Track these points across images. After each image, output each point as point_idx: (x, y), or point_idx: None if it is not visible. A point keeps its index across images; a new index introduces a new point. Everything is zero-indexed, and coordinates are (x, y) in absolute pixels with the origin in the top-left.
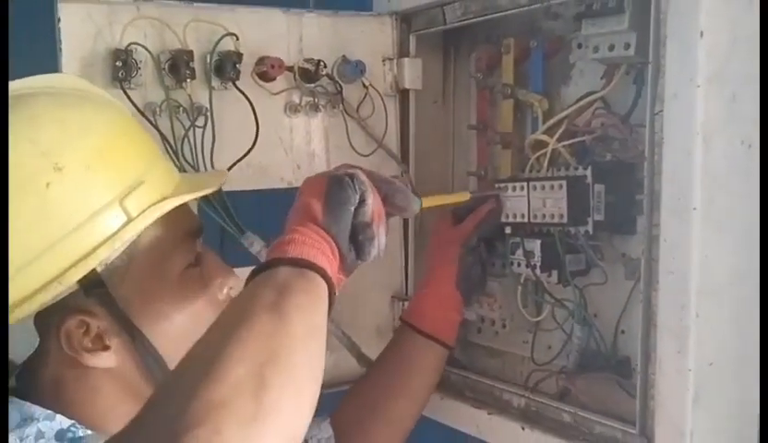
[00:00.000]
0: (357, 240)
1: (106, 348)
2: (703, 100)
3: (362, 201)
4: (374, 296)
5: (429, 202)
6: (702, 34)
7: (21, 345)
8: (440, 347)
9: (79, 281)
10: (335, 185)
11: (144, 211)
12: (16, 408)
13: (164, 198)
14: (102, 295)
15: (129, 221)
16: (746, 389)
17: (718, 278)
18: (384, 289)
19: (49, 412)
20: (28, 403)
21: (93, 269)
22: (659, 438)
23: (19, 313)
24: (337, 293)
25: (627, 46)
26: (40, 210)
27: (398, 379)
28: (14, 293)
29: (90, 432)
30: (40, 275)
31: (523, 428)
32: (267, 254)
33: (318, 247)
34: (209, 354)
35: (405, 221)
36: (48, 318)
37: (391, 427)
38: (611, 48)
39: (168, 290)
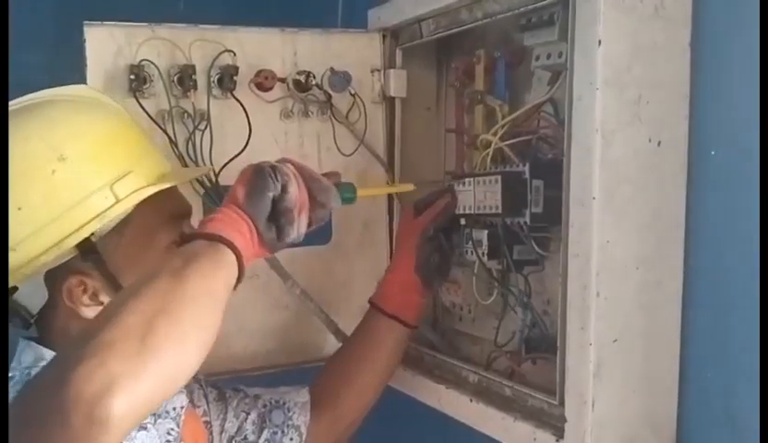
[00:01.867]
0: (279, 222)
1: (101, 303)
2: (602, 101)
3: (284, 190)
4: (361, 283)
5: (366, 192)
6: (599, 43)
7: (35, 298)
8: (401, 326)
9: (78, 248)
10: (257, 174)
11: (129, 194)
12: (32, 350)
13: (149, 185)
14: (96, 260)
15: (117, 201)
16: (653, 365)
17: (621, 261)
18: (370, 276)
19: (55, 353)
20: (41, 347)
21: (89, 239)
22: (568, 407)
23: (27, 270)
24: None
25: (560, 55)
26: (46, 192)
27: (365, 353)
28: (24, 255)
29: None
30: (44, 241)
31: (471, 400)
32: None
33: (233, 225)
34: (113, 307)
35: (390, 213)
36: (55, 277)
37: (359, 395)
38: (548, 57)
39: (152, 260)
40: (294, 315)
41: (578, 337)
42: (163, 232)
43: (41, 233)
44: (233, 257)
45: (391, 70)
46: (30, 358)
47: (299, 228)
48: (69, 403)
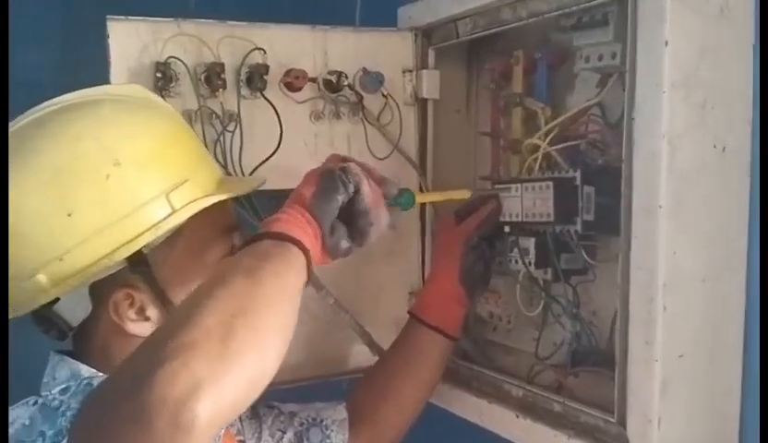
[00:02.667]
0: (358, 225)
1: (147, 319)
2: (669, 105)
3: (356, 191)
4: (392, 292)
5: (424, 198)
6: (666, 43)
7: (78, 310)
8: (444, 338)
9: (128, 260)
10: (325, 177)
11: (186, 205)
12: (66, 366)
13: (206, 196)
14: (145, 273)
15: (173, 212)
16: (718, 381)
17: (688, 273)
18: (402, 285)
19: (93, 371)
20: (77, 362)
21: (140, 251)
22: (630, 425)
23: (74, 281)
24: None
25: (613, 56)
26: (98, 198)
27: (406, 368)
28: (72, 265)
29: None
30: (95, 251)
31: (518, 416)
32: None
33: (300, 226)
34: (188, 308)
35: (423, 221)
36: (101, 289)
37: (400, 411)
38: (600, 58)
39: (203, 274)
40: (324, 326)
41: (642, 352)
42: (215, 245)
43: (91, 243)
44: (303, 259)
45: (424, 71)
46: (65, 374)
47: (379, 228)
48: (152, 406)
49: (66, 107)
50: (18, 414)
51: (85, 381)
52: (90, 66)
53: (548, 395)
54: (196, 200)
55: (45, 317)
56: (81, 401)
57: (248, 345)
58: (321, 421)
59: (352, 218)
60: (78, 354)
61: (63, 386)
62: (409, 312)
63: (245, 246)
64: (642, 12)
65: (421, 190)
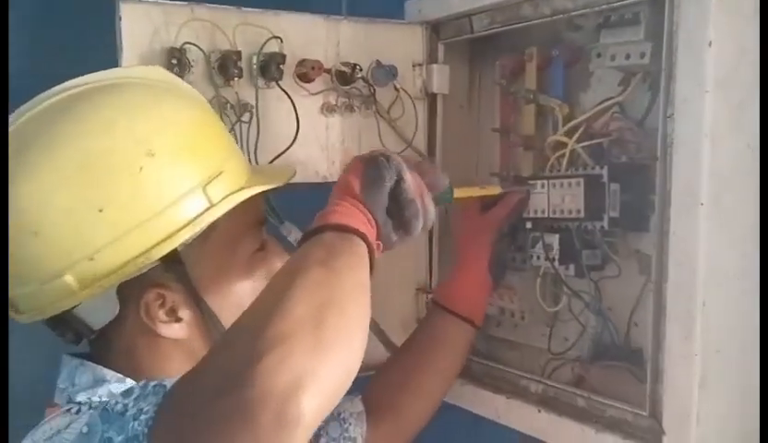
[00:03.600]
0: (404, 216)
1: (179, 320)
2: (711, 104)
3: (399, 179)
4: (400, 289)
5: (462, 193)
6: (710, 44)
7: (103, 312)
8: (470, 326)
9: (162, 258)
10: (371, 164)
11: (224, 199)
12: (88, 370)
13: (241, 188)
14: (179, 272)
15: (211, 206)
16: (748, 376)
17: (723, 270)
18: (409, 282)
19: (119, 375)
20: (100, 367)
21: (175, 248)
22: (667, 420)
23: (106, 282)
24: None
25: (642, 55)
26: (132, 192)
27: (428, 356)
28: (104, 266)
29: None
30: (128, 250)
31: (540, 411)
32: (313, 224)
33: (356, 217)
34: (271, 301)
35: None
36: (130, 289)
37: (421, 401)
38: (627, 57)
39: (236, 271)
40: None
41: (681, 347)
42: (248, 239)
43: (124, 241)
44: (366, 249)
45: (435, 65)
46: (88, 379)
47: (428, 216)
48: (256, 402)
49: (91, 91)
50: (64, 423)
51: (153, 383)
52: (71, 52)
53: (572, 390)
54: (233, 193)
55: (63, 319)
56: (158, 403)
57: (339, 336)
58: (339, 414)
59: (396, 208)
60: (97, 358)
61: (122, 390)
62: (434, 301)
63: (306, 239)
64: (684, 13)
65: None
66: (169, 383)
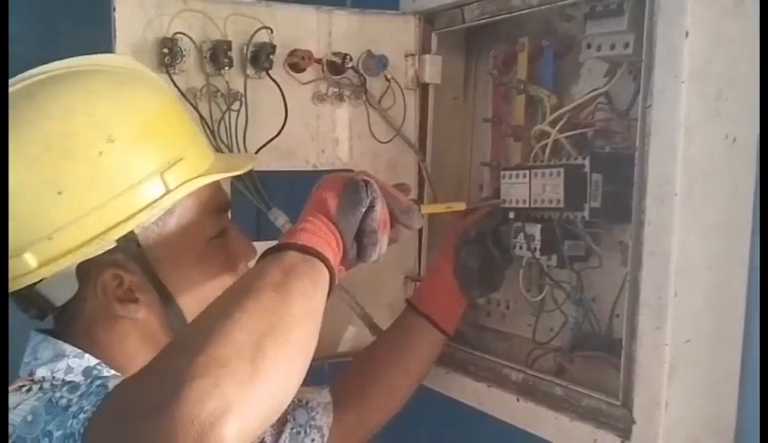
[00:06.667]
0: (362, 242)
1: (135, 301)
2: (687, 95)
3: (371, 208)
4: (389, 276)
5: (428, 209)
6: (687, 34)
7: (63, 290)
8: (434, 329)
9: (118, 240)
10: (351, 187)
11: (181, 185)
12: (50, 345)
13: (199, 175)
14: (136, 254)
15: (167, 192)
16: (719, 366)
17: (695, 260)
18: (398, 270)
19: (79, 350)
20: (61, 342)
21: (132, 231)
22: (637, 409)
23: (64, 262)
24: (336, 283)
25: (626, 45)
26: (91, 176)
27: (394, 353)
28: (62, 245)
29: (113, 372)
30: (86, 231)
31: (518, 399)
32: (280, 239)
33: (325, 239)
34: (217, 318)
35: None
36: (89, 269)
37: (386, 395)
38: (612, 47)
39: (193, 256)
40: None
41: (652, 337)
42: (206, 225)
43: (82, 222)
44: (327, 275)
45: (427, 55)
46: (48, 354)
47: (381, 249)
48: (179, 426)
49: (56, 77)
50: (14, 402)
51: (98, 382)
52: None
53: (550, 379)
54: (191, 180)
55: (26, 296)
56: (96, 404)
57: (277, 367)
58: (307, 402)
59: (358, 234)
60: (60, 334)
61: (62, 376)
62: (406, 300)
63: (268, 254)
64: (663, 3)
65: (420, 177)
66: (111, 384)
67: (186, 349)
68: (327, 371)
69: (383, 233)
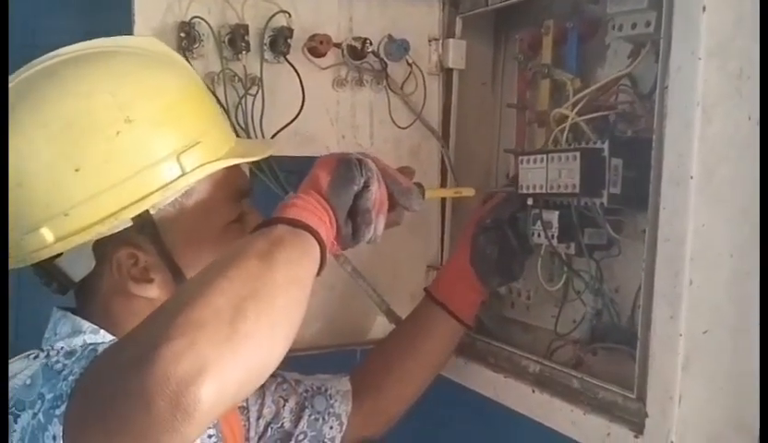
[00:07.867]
0: (356, 221)
1: (150, 280)
2: (704, 72)
3: (366, 187)
4: (410, 265)
5: (434, 194)
6: (704, 9)
7: (80, 266)
8: (450, 318)
9: (134, 220)
10: (343, 164)
11: (197, 168)
12: (69, 321)
13: (217, 159)
14: (152, 235)
15: (183, 174)
16: (740, 361)
17: (715, 248)
18: (420, 258)
19: (95, 326)
20: (79, 318)
21: (147, 211)
22: (650, 402)
23: (79, 238)
24: (328, 256)
25: (647, 24)
26: (108, 155)
27: (412, 342)
28: (78, 222)
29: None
30: (99, 210)
31: (534, 391)
32: (273, 213)
33: (316, 214)
34: (198, 285)
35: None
36: (106, 246)
37: (402, 386)
38: (634, 26)
39: (210, 239)
40: (340, 295)
41: (666, 327)
42: (224, 209)
43: (97, 200)
44: (317, 248)
45: (450, 40)
46: (66, 329)
47: (376, 229)
48: (154, 384)
49: (79, 57)
50: (19, 368)
51: (90, 347)
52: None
53: (567, 371)
54: (207, 163)
55: (46, 269)
56: (84, 367)
57: (257, 330)
58: (326, 390)
59: (353, 212)
60: (80, 311)
61: (66, 346)
62: (424, 289)
63: (259, 229)
64: None
65: (443, 164)
66: (101, 348)
67: (167, 313)
68: (359, 358)
69: (379, 214)
